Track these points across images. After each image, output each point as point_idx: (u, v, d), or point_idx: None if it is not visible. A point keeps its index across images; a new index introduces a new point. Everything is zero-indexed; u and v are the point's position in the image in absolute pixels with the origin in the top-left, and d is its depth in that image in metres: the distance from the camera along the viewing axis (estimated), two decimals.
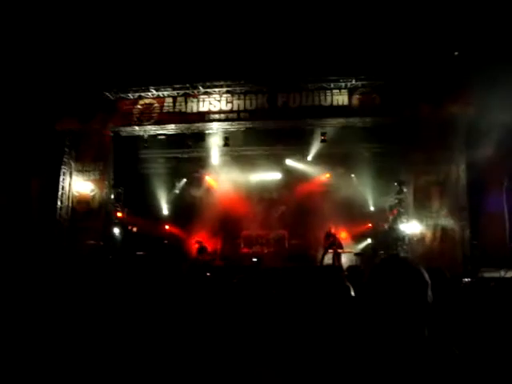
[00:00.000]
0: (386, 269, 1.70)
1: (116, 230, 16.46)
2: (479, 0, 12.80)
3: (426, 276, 1.70)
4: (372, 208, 18.00)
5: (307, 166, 18.27)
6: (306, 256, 17.16)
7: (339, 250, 15.92)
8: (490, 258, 13.73)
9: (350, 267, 15.29)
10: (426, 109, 14.48)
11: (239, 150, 18.20)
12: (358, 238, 17.68)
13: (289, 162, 18.47)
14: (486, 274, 12.14)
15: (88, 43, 14.30)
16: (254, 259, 16.65)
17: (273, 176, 19.15)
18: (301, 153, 17.93)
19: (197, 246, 17.40)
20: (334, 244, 15.81)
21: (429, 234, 14.18)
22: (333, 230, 16.16)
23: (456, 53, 14.24)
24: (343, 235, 17.50)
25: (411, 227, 14.92)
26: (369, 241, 17.11)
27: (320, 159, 17.77)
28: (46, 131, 15.88)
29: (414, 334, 1.60)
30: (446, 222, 14.19)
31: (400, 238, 15.49)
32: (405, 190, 15.76)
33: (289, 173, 18.86)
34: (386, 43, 13.47)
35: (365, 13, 13.68)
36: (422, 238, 14.31)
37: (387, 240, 16.41)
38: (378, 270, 1.74)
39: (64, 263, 13.93)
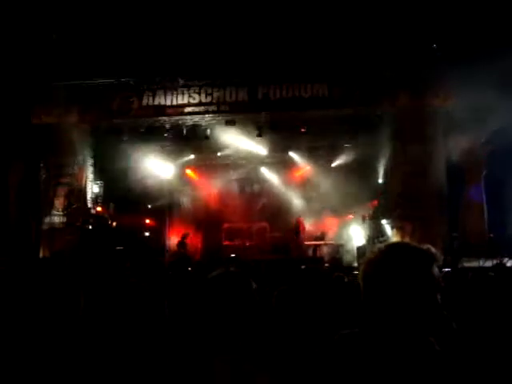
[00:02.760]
0: (393, 261, 1.63)
1: (95, 225, 16.18)
2: None
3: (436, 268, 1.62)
4: (353, 199, 17.99)
5: (288, 157, 18.20)
6: (287, 248, 17.19)
7: (314, 242, 16.43)
8: (471, 247, 13.89)
9: (331, 259, 15.43)
10: (406, 101, 14.54)
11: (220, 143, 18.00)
12: (340, 229, 17.72)
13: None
14: (467, 264, 12.28)
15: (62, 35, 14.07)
16: (233, 255, 16.55)
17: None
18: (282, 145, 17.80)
19: (179, 239, 17.27)
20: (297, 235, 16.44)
21: (408, 225, 14.26)
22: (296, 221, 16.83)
23: (434, 45, 14.30)
24: (330, 222, 17.71)
25: (391, 218, 15.01)
26: (351, 230, 17.21)
27: (300, 151, 17.75)
28: (23, 124, 15.57)
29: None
30: (426, 212, 14.29)
31: (380, 229, 15.54)
32: (384, 181, 15.83)
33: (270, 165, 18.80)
34: (366, 34, 13.45)
35: (345, 5, 13.64)
36: (401, 229, 14.39)
37: (369, 231, 16.49)
38: (382, 261, 1.65)
39: (42, 258, 13.70)
